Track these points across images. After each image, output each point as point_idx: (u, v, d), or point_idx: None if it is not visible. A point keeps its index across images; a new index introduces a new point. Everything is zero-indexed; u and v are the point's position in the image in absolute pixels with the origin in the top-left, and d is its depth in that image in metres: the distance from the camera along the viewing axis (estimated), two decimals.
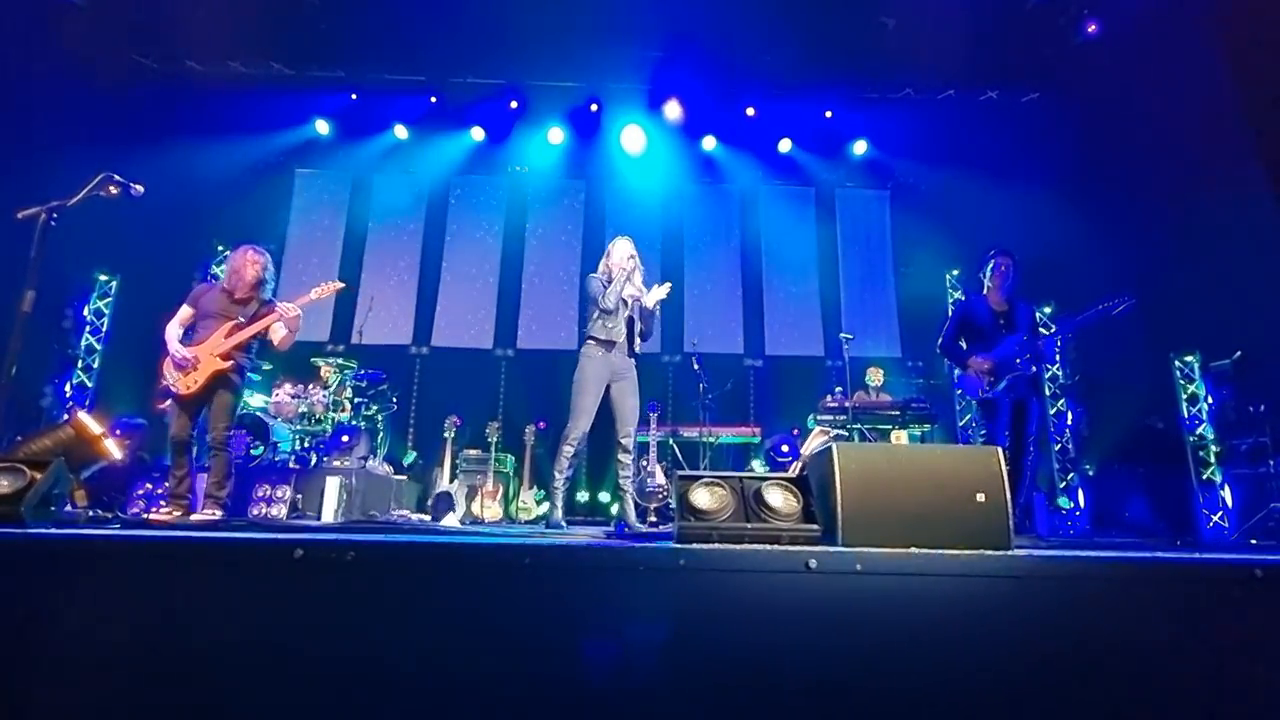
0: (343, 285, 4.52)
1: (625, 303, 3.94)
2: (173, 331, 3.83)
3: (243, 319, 3.89)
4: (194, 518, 3.48)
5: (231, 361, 3.83)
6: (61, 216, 3.11)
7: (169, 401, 3.81)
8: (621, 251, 4.02)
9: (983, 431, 4.68)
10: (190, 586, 1.61)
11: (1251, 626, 1.64)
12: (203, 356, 3.76)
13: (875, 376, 6.61)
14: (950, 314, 4.59)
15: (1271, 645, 1.62)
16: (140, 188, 3.30)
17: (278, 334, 3.99)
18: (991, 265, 4.40)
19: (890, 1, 6.52)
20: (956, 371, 4.54)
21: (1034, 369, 4.26)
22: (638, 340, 3.99)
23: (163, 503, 3.86)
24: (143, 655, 1.55)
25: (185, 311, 3.92)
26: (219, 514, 3.66)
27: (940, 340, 4.49)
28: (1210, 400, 6.19)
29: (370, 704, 1.54)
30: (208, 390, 3.78)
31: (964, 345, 4.38)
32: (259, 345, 4.11)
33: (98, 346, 7.36)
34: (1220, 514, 5.86)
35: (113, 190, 3.24)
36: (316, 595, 1.59)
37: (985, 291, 4.45)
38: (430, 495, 6.10)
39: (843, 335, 5.94)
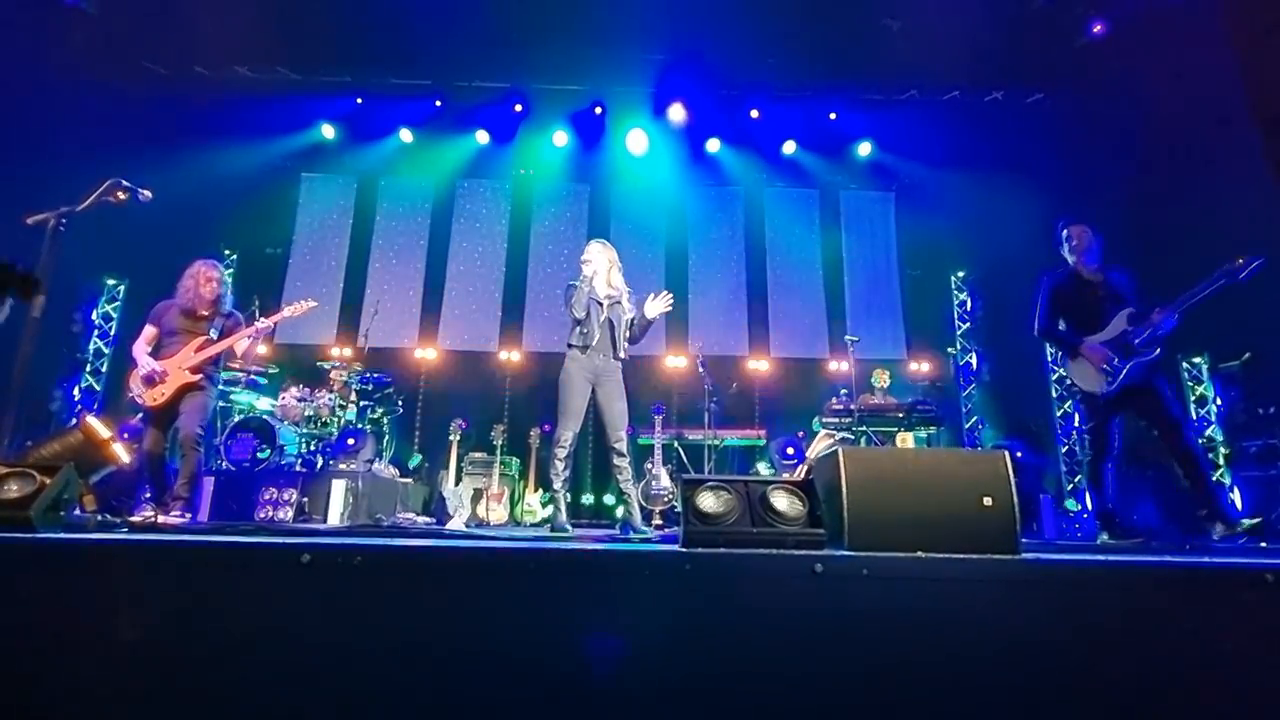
0: (315, 304, 4.65)
1: (600, 305, 3.95)
2: (140, 349, 3.96)
3: (213, 334, 3.99)
4: (161, 520, 3.52)
5: (200, 374, 3.94)
6: (70, 221, 3.14)
7: (139, 417, 3.91)
8: (587, 255, 4.05)
9: (1089, 425, 3.82)
10: (199, 591, 1.61)
11: (1262, 631, 1.63)
12: (171, 370, 3.88)
13: (881, 378, 6.60)
14: (1038, 294, 3.96)
15: None
16: (148, 193, 3.33)
17: (240, 346, 4.12)
18: (1064, 235, 3.91)
19: (894, 3, 6.51)
20: (1061, 364, 3.87)
21: (1157, 351, 3.59)
22: (623, 344, 3.99)
23: (150, 507, 3.93)
24: (151, 659, 1.56)
25: (150, 331, 4.03)
26: (187, 516, 3.75)
27: (1037, 325, 3.92)
28: (1219, 402, 6.15)
29: (379, 708, 1.54)
30: (176, 401, 3.89)
31: (1062, 327, 3.83)
32: (228, 354, 4.24)
33: (106, 350, 7.41)
34: None
35: (121, 196, 3.27)
36: (324, 600, 1.59)
37: (1071, 263, 3.91)
38: (437, 498, 6.11)
39: (848, 338, 5.93)
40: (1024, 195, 7.15)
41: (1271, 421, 5.28)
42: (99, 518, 3.01)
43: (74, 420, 6.62)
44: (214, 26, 6.65)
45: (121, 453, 3.45)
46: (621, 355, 3.99)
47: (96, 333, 7.43)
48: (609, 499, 7.20)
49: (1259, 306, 5.30)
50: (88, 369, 7.29)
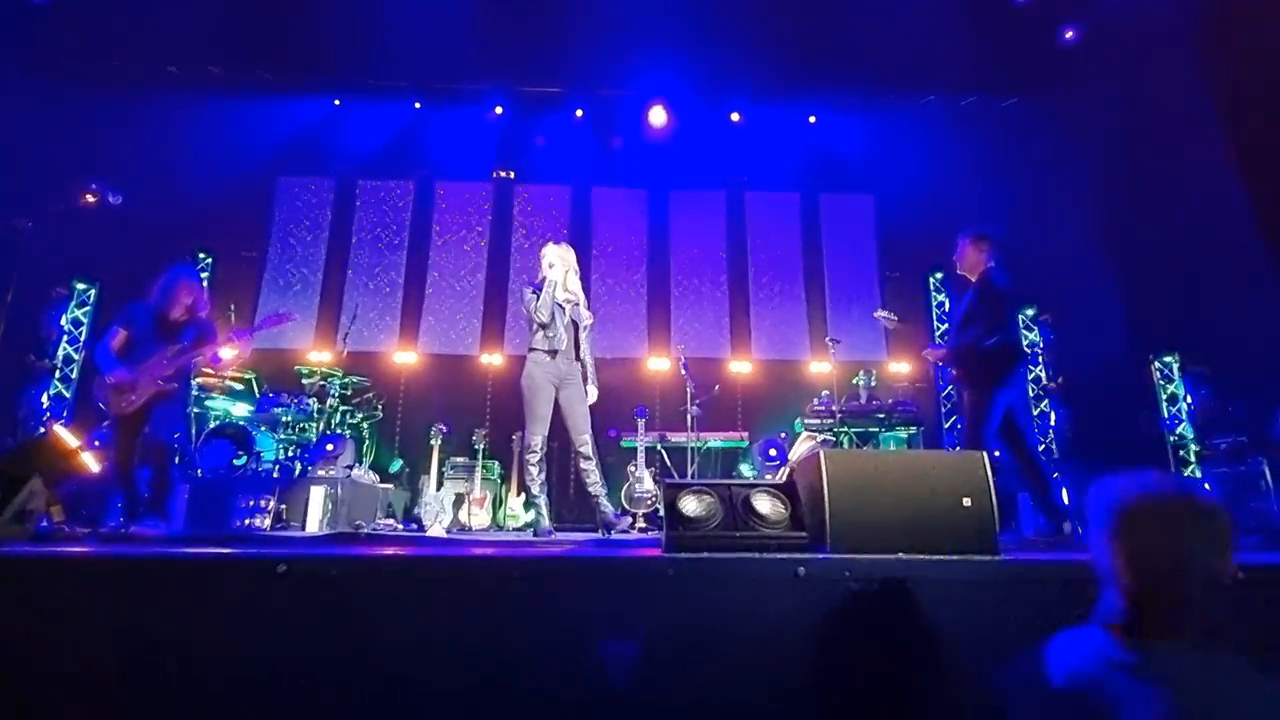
0: (295, 319, 4.57)
1: (561, 308, 3.95)
2: (108, 354, 3.80)
3: (185, 342, 3.87)
4: (134, 530, 3.43)
5: (174, 385, 3.83)
6: (38, 225, 3.07)
7: (106, 424, 3.80)
8: (546, 260, 4.03)
9: None
10: (170, 603, 1.57)
11: (1235, 627, 1.66)
12: (142, 378, 3.73)
13: (861, 380, 6.65)
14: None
15: (1254, 645, 1.64)
16: (117, 198, 3.26)
17: (225, 353, 4.07)
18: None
19: (872, 8, 6.58)
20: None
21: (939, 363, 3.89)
22: (583, 346, 4.01)
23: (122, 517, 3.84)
24: (122, 674, 1.52)
25: (121, 335, 3.87)
26: (160, 526, 3.62)
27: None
28: (1190, 400, 6.28)
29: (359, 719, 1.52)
30: (147, 409, 3.75)
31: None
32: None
33: (76, 356, 7.23)
34: None
35: (90, 199, 3.20)
36: (300, 611, 1.56)
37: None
38: (418, 504, 6.05)
39: (829, 339, 5.97)
40: (1001, 198, 7.27)
41: (1241, 419, 5.40)
42: (66, 529, 2.94)
43: (42, 428, 6.45)
44: (185, 25, 6.54)
45: (90, 462, 3.37)
46: (583, 356, 4.01)
47: (66, 338, 7.25)
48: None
49: (1228, 307, 5.43)
50: (56, 375, 7.11)
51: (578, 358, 3.98)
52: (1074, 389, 7.37)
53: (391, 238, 8.25)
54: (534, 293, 3.97)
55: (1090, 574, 1.70)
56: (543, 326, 3.89)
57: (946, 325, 8.36)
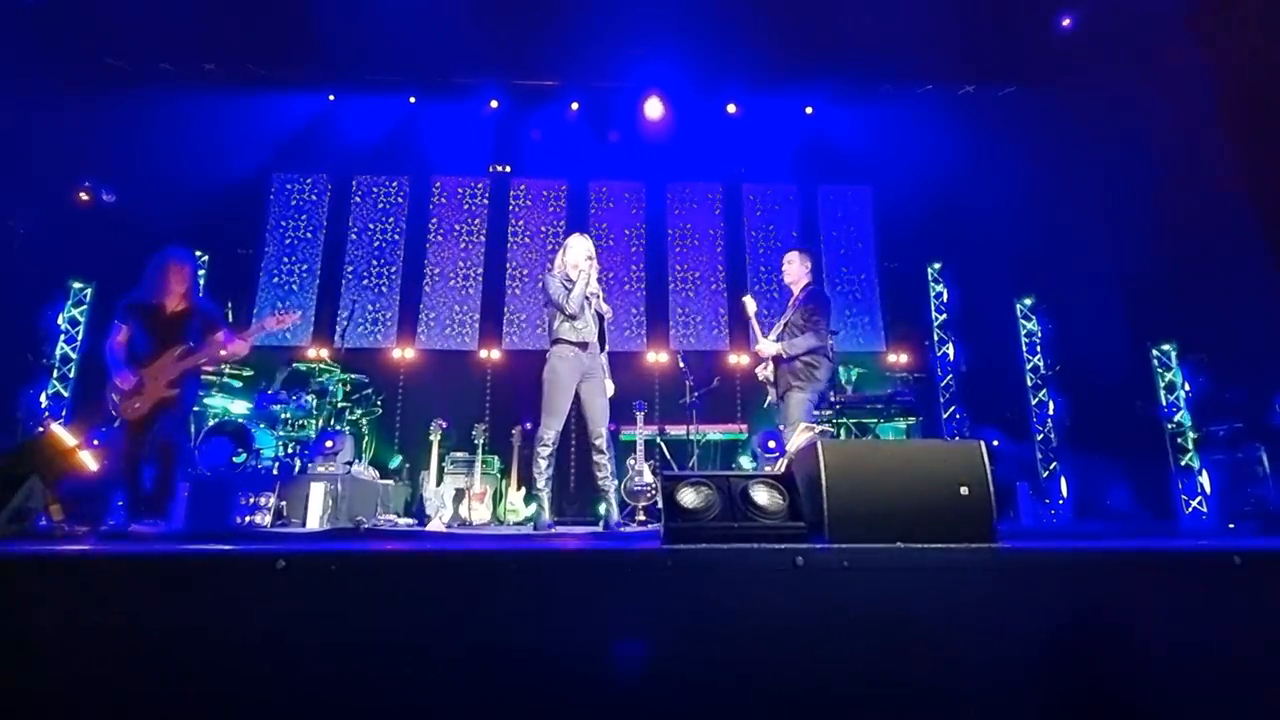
0: (299, 317, 4.47)
1: (589, 300, 3.92)
2: (116, 356, 3.71)
3: (191, 341, 3.79)
4: (133, 528, 3.42)
5: (179, 389, 3.74)
6: (34, 224, 3.05)
7: (116, 423, 3.76)
8: (579, 251, 3.95)
9: None
10: (169, 600, 1.58)
11: (1231, 610, 1.66)
12: (149, 381, 3.66)
13: (842, 375, 6.61)
14: (828, 308, 4.60)
15: (1251, 630, 1.65)
16: (110, 196, 3.23)
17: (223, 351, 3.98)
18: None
19: None
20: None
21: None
22: (605, 339, 4.01)
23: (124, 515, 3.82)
24: (118, 672, 1.52)
25: (123, 331, 3.78)
26: (160, 524, 3.59)
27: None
28: (1187, 387, 6.29)
29: (356, 715, 1.52)
30: (155, 410, 3.70)
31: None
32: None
33: (73, 355, 7.22)
34: (1199, 499, 5.96)
35: (84, 197, 3.18)
36: (300, 606, 1.57)
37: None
38: (418, 499, 6.06)
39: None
40: (998, 187, 7.25)
41: (1238, 406, 5.41)
42: (65, 527, 2.94)
43: (40, 428, 6.45)
44: (178, 22, 6.49)
45: (88, 460, 3.37)
46: (605, 348, 4.00)
47: (63, 337, 7.23)
48: (594, 495, 7.18)
49: (1226, 295, 5.44)
50: (54, 375, 7.10)
51: (601, 350, 3.96)
52: (1072, 377, 7.37)
53: (388, 233, 8.24)
54: (565, 282, 3.90)
55: (1086, 561, 1.71)
56: (571, 318, 3.84)
57: (945, 316, 8.37)
